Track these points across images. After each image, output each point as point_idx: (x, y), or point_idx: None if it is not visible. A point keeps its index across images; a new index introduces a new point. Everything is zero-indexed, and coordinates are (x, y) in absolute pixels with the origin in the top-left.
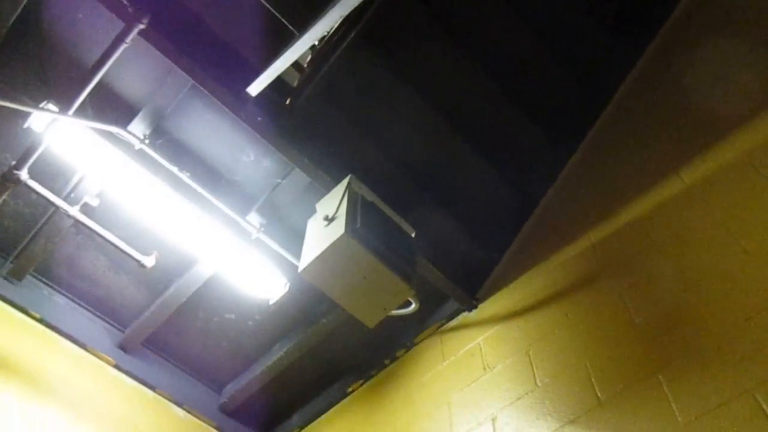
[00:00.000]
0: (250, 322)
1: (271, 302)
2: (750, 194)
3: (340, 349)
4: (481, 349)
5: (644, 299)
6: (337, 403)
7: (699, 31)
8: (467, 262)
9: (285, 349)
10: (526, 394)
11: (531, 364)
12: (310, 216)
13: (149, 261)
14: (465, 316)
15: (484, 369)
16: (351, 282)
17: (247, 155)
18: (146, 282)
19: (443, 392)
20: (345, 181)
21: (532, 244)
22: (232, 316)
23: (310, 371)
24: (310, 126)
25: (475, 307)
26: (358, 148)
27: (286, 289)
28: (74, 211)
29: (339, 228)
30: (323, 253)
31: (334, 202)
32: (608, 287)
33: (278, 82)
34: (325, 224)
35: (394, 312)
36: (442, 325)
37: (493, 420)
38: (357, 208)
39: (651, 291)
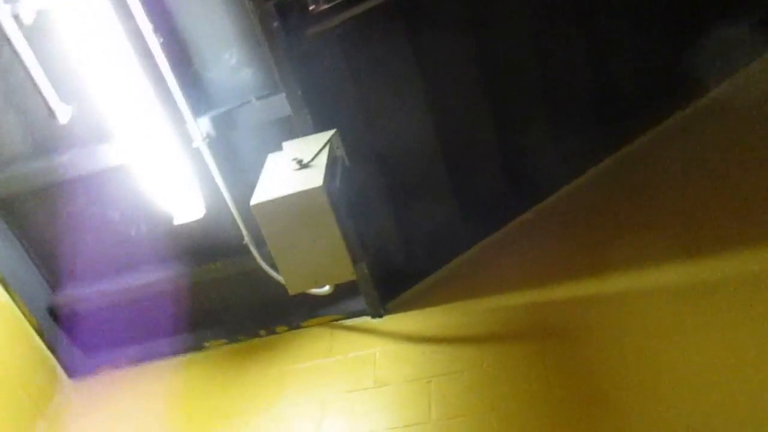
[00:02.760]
0: (132, 231)
1: (175, 222)
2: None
3: (215, 300)
4: (375, 360)
5: (567, 372)
6: (187, 352)
7: None
8: (392, 267)
9: (156, 276)
10: (417, 424)
11: (429, 396)
12: (264, 150)
13: (63, 114)
14: (366, 320)
15: (375, 382)
16: (298, 239)
17: (230, 55)
18: (38, 134)
19: (320, 388)
20: (329, 134)
21: (466, 275)
22: (116, 215)
23: (170, 309)
24: (317, 62)
25: (381, 316)
26: (350, 113)
27: (200, 216)
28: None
29: (316, 178)
30: (289, 196)
31: (309, 149)
32: (534, 350)
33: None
34: (296, 167)
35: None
36: (339, 319)
37: None
38: (337, 169)
39: (576, 367)
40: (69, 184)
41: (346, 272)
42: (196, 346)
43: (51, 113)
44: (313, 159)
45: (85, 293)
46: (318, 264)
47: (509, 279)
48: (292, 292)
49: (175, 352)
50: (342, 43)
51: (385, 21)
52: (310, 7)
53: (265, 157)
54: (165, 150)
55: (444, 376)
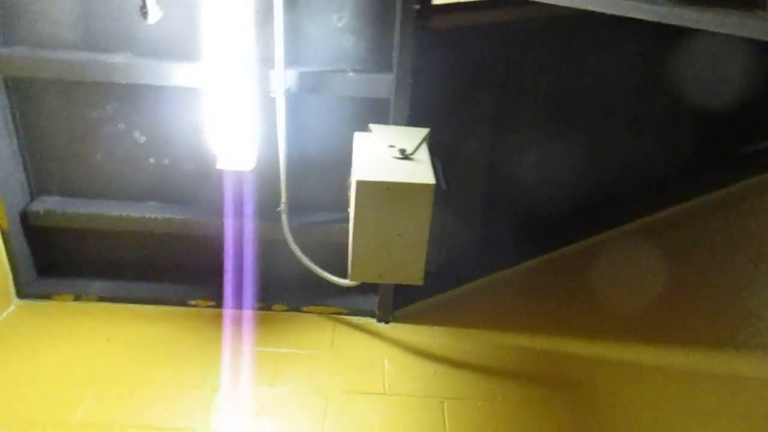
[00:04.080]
0: (152, 160)
1: (218, 166)
2: None
3: (215, 259)
4: (384, 366)
5: (576, 425)
6: (166, 305)
7: None
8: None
9: (154, 215)
10: None
11: (444, 418)
12: (338, 124)
13: (154, 14)
14: (371, 322)
15: (384, 389)
16: (386, 229)
17: (339, 17)
18: (94, 25)
19: (325, 382)
20: (422, 131)
21: (477, 302)
22: (143, 139)
23: (160, 254)
24: (437, 56)
25: (388, 322)
26: (444, 118)
27: (248, 168)
28: None
29: (426, 174)
30: (398, 184)
31: (403, 139)
32: (545, 396)
33: None
34: (399, 156)
35: (327, 274)
36: (342, 314)
37: None
38: (439, 171)
39: (583, 423)
40: (104, 88)
41: (417, 276)
42: (178, 301)
43: (143, 9)
44: (414, 152)
45: (67, 211)
46: (392, 259)
47: (521, 318)
48: (353, 279)
49: (151, 301)
50: (466, 45)
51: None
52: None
53: (336, 131)
54: (237, 89)
55: (458, 400)
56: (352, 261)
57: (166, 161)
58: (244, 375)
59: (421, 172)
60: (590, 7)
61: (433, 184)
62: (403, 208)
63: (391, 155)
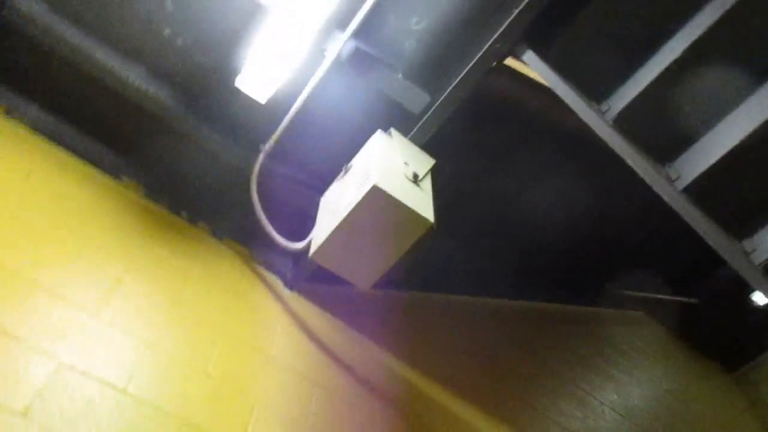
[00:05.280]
0: (166, 32)
1: (236, 83)
2: None
3: (168, 154)
4: (276, 330)
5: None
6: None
7: None
8: None
9: (142, 83)
10: (296, 419)
11: (311, 403)
12: (361, 113)
13: None
14: (277, 283)
15: (269, 352)
16: (369, 235)
17: (418, 21)
18: None
19: (218, 321)
20: (432, 162)
21: (382, 313)
22: (172, 8)
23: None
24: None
25: (292, 289)
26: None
27: (261, 101)
28: None
29: (428, 208)
30: (404, 207)
31: (415, 160)
32: (396, 417)
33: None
34: (411, 179)
35: (276, 235)
36: (256, 260)
37: None
38: (435, 205)
39: None
40: None
41: (368, 284)
42: (113, 171)
43: None
44: (423, 178)
45: (54, 29)
46: (357, 260)
47: (411, 339)
48: (313, 258)
49: (86, 157)
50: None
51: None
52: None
53: (357, 120)
54: (295, 26)
55: (324, 390)
56: (323, 243)
57: (181, 42)
58: (149, 274)
59: (425, 204)
60: None
61: (432, 223)
62: (395, 227)
63: (404, 173)
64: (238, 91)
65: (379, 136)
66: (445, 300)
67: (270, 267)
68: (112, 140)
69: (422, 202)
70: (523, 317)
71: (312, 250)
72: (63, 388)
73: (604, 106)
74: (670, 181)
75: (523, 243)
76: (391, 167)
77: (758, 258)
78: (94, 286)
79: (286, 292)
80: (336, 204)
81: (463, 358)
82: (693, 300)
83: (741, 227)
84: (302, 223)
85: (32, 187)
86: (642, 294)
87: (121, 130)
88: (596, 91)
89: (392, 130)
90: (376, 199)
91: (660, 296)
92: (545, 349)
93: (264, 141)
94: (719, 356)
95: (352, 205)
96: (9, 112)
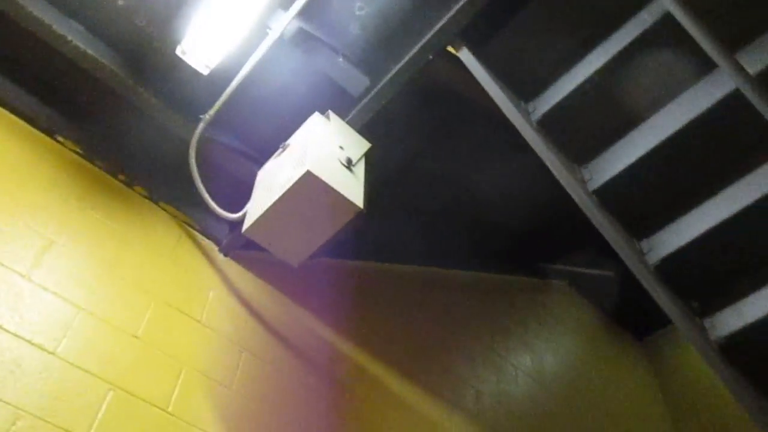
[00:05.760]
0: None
1: (177, 50)
2: None
3: (107, 110)
4: (209, 296)
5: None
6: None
7: None
8: None
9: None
10: (222, 385)
11: (238, 368)
12: (305, 88)
13: None
14: (212, 248)
15: (201, 318)
16: (301, 215)
17: (360, 8)
18: None
19: (150, 283)
20: (367, 146)
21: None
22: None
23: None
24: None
25: (227, 255)
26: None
27: (203, 72)
28: None
29: (359, 195)
30: (337, 192)
31: (349, 145)
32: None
33: None
34: (345, 164)
35: (213, 204)
36: (191, 225)
37: None
38: (367, 190)
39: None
40: None
41: (296, 260)
42: (47, 130)
43: None
44: (356, 163)
45: None
46: (288, 238)
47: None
48: (246, 233)
49: (19, 114)
50: None
51: None
52: None
53: (299, 97)
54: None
55: (252, 355)
56: (258, 220)
57: (123, 2)
58: (83, 235)
59: (356, 190)
60: None
61: (360, 209)
62: (326, 210)
63: (338, 158)
64: (181, 60)
65: (317, 118)
66: (379, 269)
67: (206, 232)
68: (50, 98)
69: (353, 188)
70: (458, 287)
71: (245, 226)
72: None
73: (530, 107)
74: (583, 182)
75: (464, 218)
76: (326, 152)
77: (652, 258)
78: (26, 245)
79: (221, 258)
80: (271, 182)
81: (393, 329)
82: (609, 273)
83: (644, 228)
84: (240, 192)
85: None
86: (567, 268)
87: (59, 88)
88: (528, 89)
89: (330, 112)
90: (309, 183)
91: (581, 269)
92: (469, 318)
93: (206, 112)
94: (631, 326)
95: (286, 188)
96: None
